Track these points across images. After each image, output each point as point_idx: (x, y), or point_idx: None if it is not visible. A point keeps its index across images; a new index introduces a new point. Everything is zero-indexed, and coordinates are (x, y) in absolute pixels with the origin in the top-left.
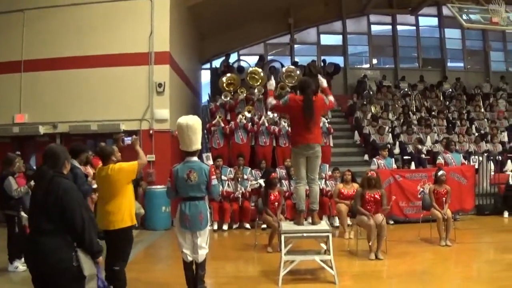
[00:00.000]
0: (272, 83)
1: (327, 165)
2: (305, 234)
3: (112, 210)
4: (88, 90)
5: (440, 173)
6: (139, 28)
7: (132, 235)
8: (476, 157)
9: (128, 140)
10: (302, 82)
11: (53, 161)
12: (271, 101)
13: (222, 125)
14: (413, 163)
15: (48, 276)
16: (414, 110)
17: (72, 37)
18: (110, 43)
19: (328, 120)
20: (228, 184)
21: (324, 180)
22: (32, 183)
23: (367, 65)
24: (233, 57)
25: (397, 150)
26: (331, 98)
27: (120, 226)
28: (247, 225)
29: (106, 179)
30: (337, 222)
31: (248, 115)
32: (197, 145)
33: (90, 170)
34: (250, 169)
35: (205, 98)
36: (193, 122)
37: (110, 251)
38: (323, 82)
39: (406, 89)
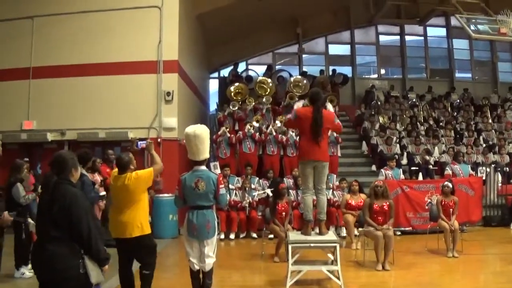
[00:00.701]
0: (299, 104)
1: (335, 175)
2: (312, 244)
3: (127, 219)
4: (96, 98)
5: (444, 184)
6: (148, 37)
7: (154, 242)
8: (484, 168)
9: (142, 144)
10: (313, 94)
11: (59, 168)
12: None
13: (228, 135)
14: (420, 174)
15: (55, 283)
16: (422, 120)
17: (81, 44)
18: (119, 51)
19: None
20: (235, 193)
21: (331, 190)
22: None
23: (375, 75)
24: (241, 66)
25: (404, 161)
26: (338, 121)
27: (134, 235)
28: (254, 235)
29: (123, 189)
30: (344, 233)
31: (256, 124)
32: (205, 155)
33: (97, 177)
34: (257, 178)
35: (213, 107)
36: (201, 131)
37: (128, 259)
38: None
39: (414, 100)
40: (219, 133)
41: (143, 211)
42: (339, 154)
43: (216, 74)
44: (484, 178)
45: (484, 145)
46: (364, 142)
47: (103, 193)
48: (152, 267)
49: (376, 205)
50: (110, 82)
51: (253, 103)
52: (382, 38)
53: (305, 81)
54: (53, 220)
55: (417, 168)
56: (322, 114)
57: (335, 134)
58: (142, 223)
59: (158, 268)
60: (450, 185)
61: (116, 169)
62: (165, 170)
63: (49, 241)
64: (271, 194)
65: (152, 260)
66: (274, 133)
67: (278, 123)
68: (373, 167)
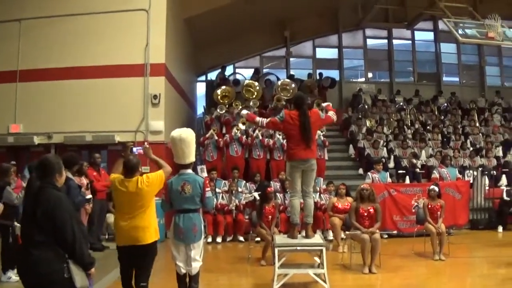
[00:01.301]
0: (243, 113)
1: (322, 179)
2: (298, 248)
3: (143, 224)
4: (83, 101)
5: (430, 187)
6: (135, 40)
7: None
8: (471, 171)
9: (139, 150)
10: (297, 98)
11: (43, 172)
12: (263, 120)
13: (216, 138)
14: (407, 177)
15: (40, 287)
16: (409, 124)
17: (69, 47)
18: (106, 54)
19: (323, 133)
20: (222, 196)
21: (318, 193)
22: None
23: (363, 79)
24: (229, 70)
25: (391, 164)
26: (331, 113)
27: (150, 241)
28: (241, 238)
29: (137, 193)
30: (331, 236)
31: (243, 127)
32: (191, 158)
33: (84, 181)
34: (244, 182)
35: (200, 110)
36: (187, 135)
37: (134, 267)
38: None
39: (401, 104)
40: (207, 135)
41: (155, 216)
42: (326, 158)
43: (203, 77)
44: (471, 181)
45: (471, 148)
46: (351, 146)
47: (89, 196)
48: (148, 278)
49: (363, 209)
50: (97, 85)
51: (240, 106)
52: (370, 41)
53: (293, 85)
54: (37, 224)
55: (404, 171)
56: (309, 119)
57: (322, 138)
58: (156, 228)
59: None
60: (436, 188)
61: (115, 173)
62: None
63: (34, 245)
64: (258, 198)
65: (150, 270)
66: (261, 137)
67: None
68: (360, 171)
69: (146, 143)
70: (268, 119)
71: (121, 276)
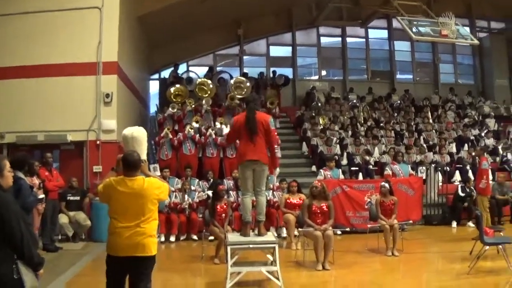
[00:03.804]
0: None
1: (275, 176)
2: (251, 246)
3: (150, 232)
4: (35, 100)
5: (381, 184)
6: (87, 38)
7: None
8: (424, 168)
9: None
10: (247, 97)
11: None
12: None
13: (170, 136)
14: (360, 174)
15: None
16: (362, 121)
17: (20, 46)
18: (58, 53)
19: (276, 129)
20: (175, 195)
21: (271, 191)
22: None
23: (316, 77)
24: (182, 68)
25: (345, 161)
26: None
27: (155, 252)
28: (195, 237)
29: (140, 194)
30: (285, 233)
31: (196, 125)
32: (143, 156)
33: (36, 181)
34: (197, 180)
35: (153, 109)
36: (138, 133)
37: (133, 281)
38: None
39: (354, 101)
40: (161, 134)
41: (157, 223)
42: (279, 155)
43: (156, 76)
44: (424, 177)
45: (424, 145)
46: (304, 143)
47: (41, 196)
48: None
49: (315, 206)
50: (49, 84)
51: (193, 105)
52: (324, 40)
53: (247, 83)
54: None
55: (357, 168)
56: (254, 113)
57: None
58: (156, 238)
59: (99, 273)
60: (387, 185)
61: (111, 174)
62: (104, 173)
63: None
64: (211, 196)
65: (150, 278)
66: (214, 136)
67: (218, 125)
68: (313, 168)
69: (143, 159)
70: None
71: None
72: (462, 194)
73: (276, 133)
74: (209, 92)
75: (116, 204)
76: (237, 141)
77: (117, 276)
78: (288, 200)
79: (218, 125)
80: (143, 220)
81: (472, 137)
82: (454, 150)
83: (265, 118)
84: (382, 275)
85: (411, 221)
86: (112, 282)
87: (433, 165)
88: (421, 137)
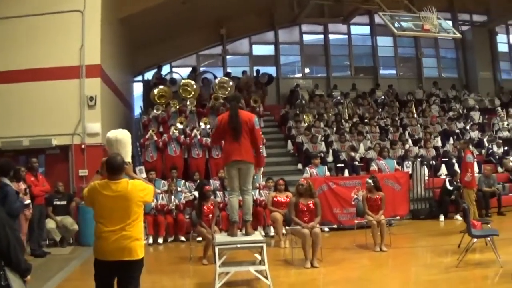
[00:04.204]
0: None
1: (261, 175)
2: (238, 245)
3: (136, 235)
4: (19, 105)
5: (366, 180)
6: (69, 41)
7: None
8: (410, 162)
9: None
10: (230, 96)
11: None
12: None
13: (155, 138)
14: (346, 170)
15: None
16: (347, 118)
17: (3, 51)
18: (40, 57)
19: (260, 128)
20: (162, 197)
21: (258, 190)
22: None
23: (300, 75)
24: (165, 69)
25: (330, 158)
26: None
27: (142, 255)
28: (182, 238)
29: (125, 196)
30: (272, 232)
31: (180, 126)
32: (127, 159)
33: (22, 186)
34: (183, 181)
35: (137, 111)
36: (123, 136)
37: (122, 281)
38: None
39: (338, 98)
40: (146, 136)
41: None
42: (264, 154)
43: (140, 78)
44: (410, 172)
45: (409, 139)
46: (289, 141)
47: (28, 201)
48: None
49: (302, 204)
50: (33, 88)
51: (178, 106)
52: (306, 37)
53: (230, 83)
54: None
55: (343, 165)
56: (237, 112)
57: None
58: (143, 241)
59: (87, 277)
60: (370, 181)
61: (96, 178)
62: (90, 177)
63: None
64: (198, 196)
65: (139, 282)
66: (199, 137)
67: (202, 125)
68: (299, 166)
69: (127, 161)
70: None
71: None
72: (450, 188)
73: (260, 133)
74: (193, 93)
75: (101, 208)
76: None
77: (105, 279)
78: (275, 199)
79: (202, 125)
80: (128, 223)
81: (457, 130)
82: (439, 144)
83: (249, 117)
84: (371, 270)
85: (398, 217)
86: (101, 285)
87: (418, 159)
88: (406, 132)
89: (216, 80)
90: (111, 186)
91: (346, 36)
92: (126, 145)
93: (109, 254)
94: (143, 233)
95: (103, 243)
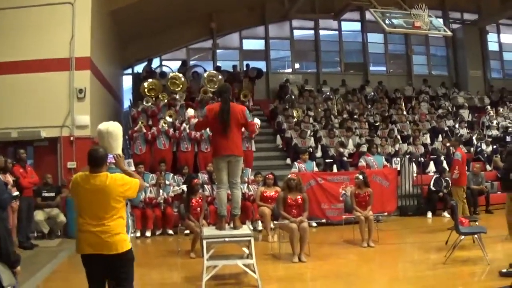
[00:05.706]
0: (188, 112)
1: (250, 170)
2: (227, 239)
3: (113, 230)
4: (7, 97)
5: (355, 176)
6: (59, 34)
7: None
8: (398, 159)
9: (110, 159)
10: (220, 87)
11: None
12: (193, 121)
13: (144, 131)
14: (335, 166)
15: None
16: (336, 113)
17: None
18: (30, 49)
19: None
20: (150, 190)
21: (246, 184)
22: None
23: (289, 70)
24: (155, 63)
25: (319, 154)
26: (257, 120)
27: (126, 248)
28: (170, 231)
29: (104, 190)
30: (260, 226)
31: (170, 119)
32: (118, 151)
33: (9, 178)
34: (172, 174)
35: (127, 103)
36: (114, 128)
37: (113, 280)
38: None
39: (328, 93)
40: (135, 128)
41: (124, 221)
42: (253, 149)
43: (130, 71)
44: (398, 169)
45: (398, 136)
46: (278, 136)
47: (16, 193)
48: (131, 283)
49: (290, 198)
50: (22, 80)
51: (167, 99)
52: (297, 32)
53: (220, 76)
54: None
55: (332, 160)
56: (229, 105)
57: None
58: (126, 234)
59: (75, 270)
60: (360, 176)
61: (84, 170)
62: (78, 169)
63: None
64: (186, 190)
65: (132, 277)
66: (188, 130)
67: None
68: (288, 161)
69: (119, 153)
70: (195, 120)
71: None
72: (433, 189)
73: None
74: (181, 86)
75: (80, 200)
76: (211, 133)
77: (92, 276)
78: (264, 193)
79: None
80: (107, 218)
81: (446, 128)
82: (428, 141)
83: (241, 109)
84: (358, 266)
85: (385, 214)
86: (90, 283)
87: (407, 156)
88: (395, 129)
89: (205, 74)
90: (89, 179)
91: (337, 32)
92: (117, 138)
93: (88, 247)
94: (124, 228)
95: (81, 236)
